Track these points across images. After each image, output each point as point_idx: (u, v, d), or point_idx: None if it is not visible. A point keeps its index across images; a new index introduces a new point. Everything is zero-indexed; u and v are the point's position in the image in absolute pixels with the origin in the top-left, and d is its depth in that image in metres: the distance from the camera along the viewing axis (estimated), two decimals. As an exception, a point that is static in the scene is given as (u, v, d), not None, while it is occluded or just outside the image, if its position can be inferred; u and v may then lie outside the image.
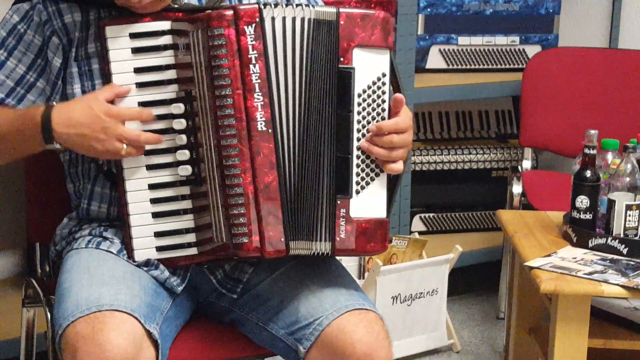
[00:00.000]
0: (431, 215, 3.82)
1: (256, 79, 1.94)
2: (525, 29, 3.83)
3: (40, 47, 2.05)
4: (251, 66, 1.94)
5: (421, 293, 3.24)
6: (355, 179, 2.00)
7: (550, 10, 3.85)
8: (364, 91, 1.99)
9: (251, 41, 1.94)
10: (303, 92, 1.98)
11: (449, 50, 3.74)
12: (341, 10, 1.97)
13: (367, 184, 2.01)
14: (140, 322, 1.89)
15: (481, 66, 3.80)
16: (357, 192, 2.00)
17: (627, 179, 2.52)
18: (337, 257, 2.14)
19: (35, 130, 1.95)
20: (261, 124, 1.95)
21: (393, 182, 2.06)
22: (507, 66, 3.83)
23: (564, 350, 2.43)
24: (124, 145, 1.94)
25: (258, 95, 1.94)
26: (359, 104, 1.99)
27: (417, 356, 3.31)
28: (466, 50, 3.76)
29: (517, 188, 3.44)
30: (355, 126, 1.99)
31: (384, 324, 2.02)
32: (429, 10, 3.68)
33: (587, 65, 3.68)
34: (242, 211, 1.94)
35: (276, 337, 2.05)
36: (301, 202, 1.99)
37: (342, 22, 1.96)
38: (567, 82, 3.66)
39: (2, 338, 2.82)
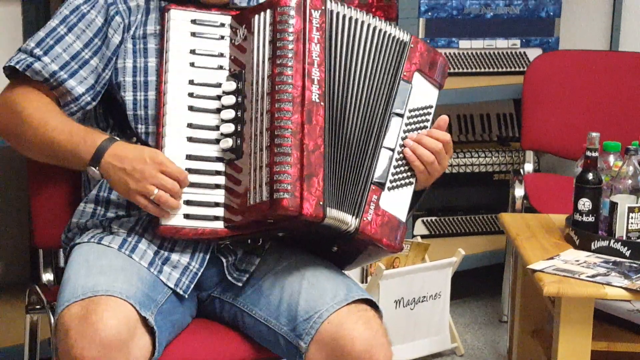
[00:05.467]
0: (433, 218, 3.82)
1: (316, 56, 2.03)
2: (526, 32, 3.83)
3: (100, 27, 2.14)
4: (312, 44, 2.04)
5: (424, 297, 3.24)
6: (390, 177, 2.09)
7: (551, 13, 3.85)
8: (414, 109, 2.14)
9: (316, 24, 2.05)
10: (362, 85, 2.10)
11: (450, 53, 3.74)
12: (413, 36, 2.18)
13: (399, 186, 2.11)
14: (135, 308, 1.91)
15: (482, 69, 3.80)
16: (389, 189, 2.10)
17: (629, 181, 2.52)
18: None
19: (89, 151, 2.03)
20: (315, 95, 2.02)
21: (413, 200, 2.15)
22: (508, 69, 3.83)
23: (567, 353, 2.43)
24: (156, 190, 1.99)
25: (316, 70, 2.03)
26: (408, 117, 2.13)
27: (421, 360, 3.32)
28: (467, 53, 3.77)
29: (519, 191, 3.45)
30: (403, 128, 2.13)
31: (383, 322, 2.04)
32: (429, 14, 3.68)
33: (588, 67, 3.69)
34: (287, 169, 1.98)
35: (278, 333, 2.07)
36: (342, 174, 2.05)
37: (412, 45, 2.16)
38: (568, 85, 3.66)
39: (6, 344, 2.82)
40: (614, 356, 2.65)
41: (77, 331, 1.86)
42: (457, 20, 3.73)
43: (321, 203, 1.99)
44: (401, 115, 2.13)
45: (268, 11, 2.05)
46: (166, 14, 2.12)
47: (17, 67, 2.11)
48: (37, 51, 2.11)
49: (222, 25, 2.14)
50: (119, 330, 1.86)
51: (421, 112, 2.16)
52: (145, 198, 2.01)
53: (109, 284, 1.92)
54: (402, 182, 2.13)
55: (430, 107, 2.18)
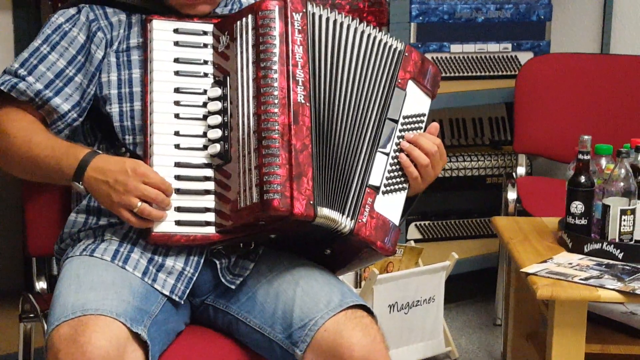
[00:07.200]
0: (427, 223, 3.83)
1: (299, 58, 2.05)
2: (517, 35, 3.84)
3: (82, 44, 2.16)
4: (295, 47, 2.06)
5: (418, 301, 3.24)
6: (385, 181, 2.11)
7: (542, 17, 3.86)
8: (408, 116, 2.16)
9: (297, 26, 2.07)
10: (351, 87, 2.11)
11: (441, 58, 3.75)
12: (407, 45, 2.21)
13: (393, 190, 2.13)
14: (126, 325, 1.90)
15: (474, 73, 3.81)
16: (384, 193, 2.11)
17: (621, 183, 2.53)
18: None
19: (71, 165, 2.04)
20: (300, 96, 2.04)
21: (406, 206, 2.17)
22: (500, 73, 3.84)
23: (561, 356, 2.44)
24: (139, 203, 1.99)
25: (300, 71, 2.05)
26: (402, 124, 2.15)
27: (415, 364, 3.32)
28: (459, 57, 3.77)
29: (512, 194, 3.45)
30: (397, 134, 2.14)
31: (380, 328, 2.04)
32: (420, 18, 3.69)
33: (580, 71, 3.69)
34: (276, 170, 1.98)
35: (273, 341, 2.06)
36: (332, 174, 2.06)
37: (406, 54, 2.19)
38: (559, 88, 3.67)
39: (0, 353, 2.82)
40: (608, 358, 2.66)
41: (65, 353, 1.86)
42: (449, 25, 3.74)
43: (311, 202, 2.00)
44: (395, 121, 2.15)
45: (250, 16, 2.07)
46: (148, 24, 2.13)
47: (2, 88, 2.12)
48: (21, 71, 2.12)
49: (205, 33, 2.15)
50: (108, 350, 1.85)
51: (414, 119, 2.18)
52: (128, 211, 2.01)
53: (98, 302, 1.92)
54: (397, 186, 2.14)
55: (424, 115, 2.20)
